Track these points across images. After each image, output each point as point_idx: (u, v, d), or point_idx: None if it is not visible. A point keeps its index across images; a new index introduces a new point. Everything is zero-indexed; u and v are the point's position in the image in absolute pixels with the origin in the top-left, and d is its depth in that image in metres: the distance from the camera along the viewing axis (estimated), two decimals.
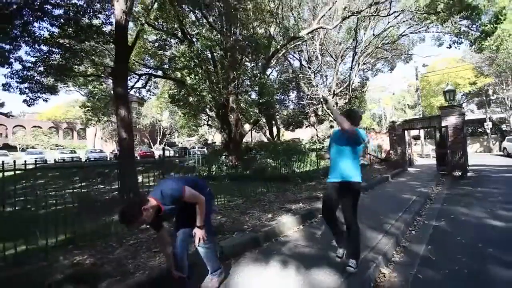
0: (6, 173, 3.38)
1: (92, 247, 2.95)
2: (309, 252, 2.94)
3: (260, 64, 12.76)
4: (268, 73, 16.29)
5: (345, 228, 2.43)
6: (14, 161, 3.50)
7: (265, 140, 26.83)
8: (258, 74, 11.39)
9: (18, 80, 11.35)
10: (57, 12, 10.30)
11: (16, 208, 4.04)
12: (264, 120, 19.45)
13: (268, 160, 12.11)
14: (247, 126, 16.12)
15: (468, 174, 9.33)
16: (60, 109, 42.40)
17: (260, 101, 11.65)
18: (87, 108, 18.17)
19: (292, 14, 14.12)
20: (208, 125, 29.77)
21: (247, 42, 12.63)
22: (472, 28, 8.73)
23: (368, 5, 10.79)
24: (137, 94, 18.89)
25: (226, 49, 11.69)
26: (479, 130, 29.24)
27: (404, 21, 14.01)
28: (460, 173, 9.01)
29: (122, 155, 6.53)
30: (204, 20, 13.05)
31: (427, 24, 10.79)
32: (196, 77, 12.20)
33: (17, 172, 3.46)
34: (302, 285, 2.25)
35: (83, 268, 2.43)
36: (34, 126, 42.07)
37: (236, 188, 6.32)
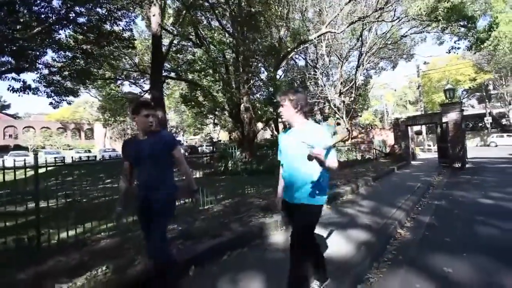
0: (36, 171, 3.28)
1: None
2: (340, 222, 3.85)
3: (271, 67, 13.60)
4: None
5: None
6: (49, 159, 3.61)
7: (268, 137, 27.66)
8: (272, 76, 12.22)
9: (45, 84, 12.13)
10: (81, 20, 11.07)
11: (68, 200, 4.68)
12: None
13: None
14: (259, 125, 16.98)
15: (467, 165, 10.20)
16: (68, 110, 43.36)
17: (274, 101, 12.49)
18: (103, 110, 19.08)
19: (302, 17, 14.92)
20: (214, 123, 30.66)
21: (259, 46, 13.48)
22: (469, 35, 9.57)
23: (373, 10, 11.58)
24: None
25: (238, 52, 12.48)
26: (480, 124, 30.00)
27: (406, 21, 14.80)
28: (459, 165, 9.88)
29: None
30: (217, 24, 13.86)
31: (428, 30, 11.65)
32: (212, 79, 13.05)
33: (45, 169, 3.36)
34: (340, 239, 3.15)
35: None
36: (43, 127, 43.00)
37: (256, 181, 7.17)
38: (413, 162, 12.74)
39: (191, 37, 14.35)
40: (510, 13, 10.51)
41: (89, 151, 28.23)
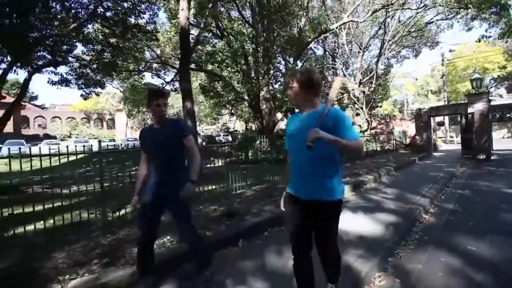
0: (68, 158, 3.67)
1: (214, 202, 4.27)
2: (370, 209, 4.13)
3: (290, 57, 13.68)
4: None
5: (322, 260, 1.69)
6: (84, 147, 4.21)
7: (284, 127, 27.76)
8: (292, 66, 12.33)
9: (76, 77, 12.92)
10: (108, 14, 11.61)
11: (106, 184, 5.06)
12: None
13: None
14: (278, 115, 17.18)
15: (492, 157, 10.01)
16: (90, 101, 45.16)
17: None
18: (127, 100, 19.92)
19: (322, 5, 14.73)
20: (231, 113, 31.09)
21: (278, 36, 13.53)
22: (500, 22, 9.14)
23: None
24: (171, 87, 20.33)
25: (258, 42, 12.59)
26: (508, 115, 28.58)
27: (433, 8, 14.22)
28: (484, 156, 9.73)
29: None
30: (236, 14, 13.97)
31: (457, 18, 11.22)
32: (232, 70, 13.32)
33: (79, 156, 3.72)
34: (368, 220, 3.44)
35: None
36: (69, 117, 45.20)
37: (278, 169, 7.47)
38: (434, 154, 12.59)
39: (211, 28, 14.58)
40: None
41: (113, 140, 29.64)
